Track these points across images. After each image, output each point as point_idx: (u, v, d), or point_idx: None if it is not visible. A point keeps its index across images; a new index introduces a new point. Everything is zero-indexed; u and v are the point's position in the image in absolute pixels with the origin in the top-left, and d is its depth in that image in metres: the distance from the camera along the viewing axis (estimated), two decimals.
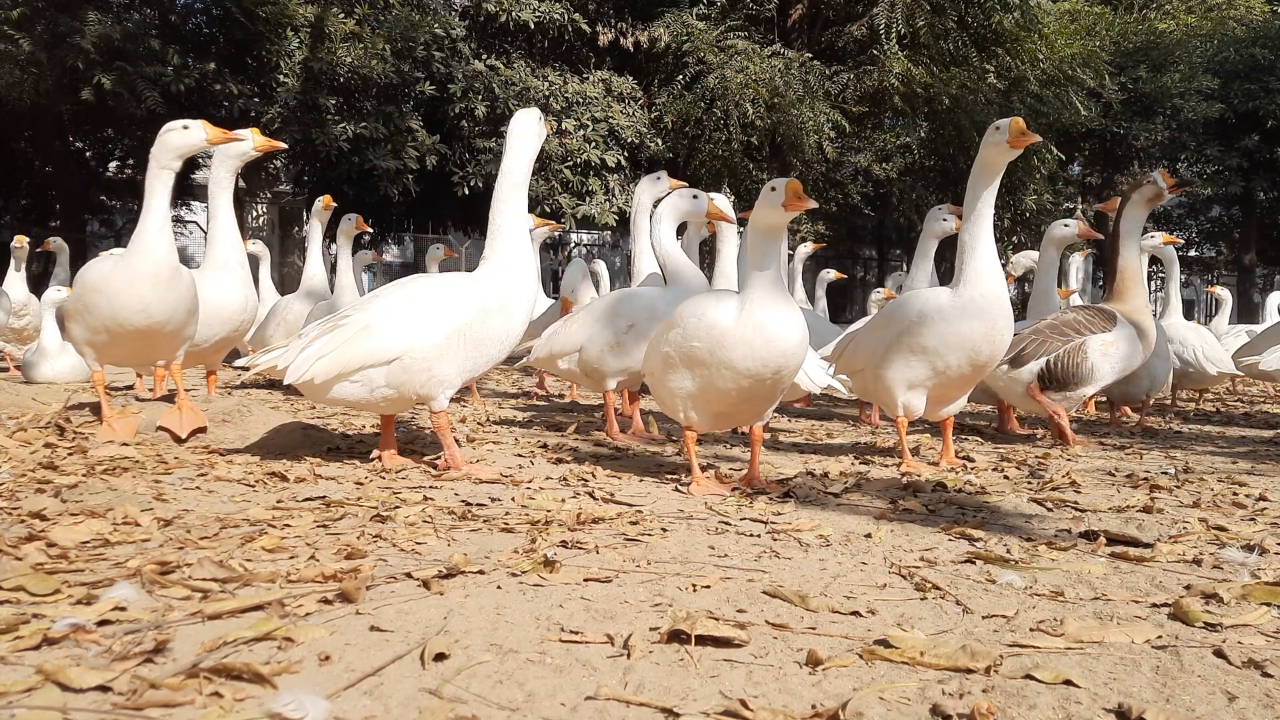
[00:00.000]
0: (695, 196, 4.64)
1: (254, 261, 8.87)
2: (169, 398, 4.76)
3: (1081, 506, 3.03)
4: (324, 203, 6.98)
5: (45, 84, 13.53)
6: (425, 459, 3.72)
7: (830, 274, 9.39)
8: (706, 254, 6.66)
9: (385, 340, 3.39)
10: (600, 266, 8.65)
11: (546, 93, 15.93)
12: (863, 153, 19.09)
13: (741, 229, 5.27)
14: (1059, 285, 6.46)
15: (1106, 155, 23.73)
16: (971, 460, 4.14)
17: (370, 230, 7.55)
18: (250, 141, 4.62)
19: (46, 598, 1.78)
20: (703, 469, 3.48)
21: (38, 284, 8.86)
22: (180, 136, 3.98)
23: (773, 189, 3.05)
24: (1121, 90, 20.06)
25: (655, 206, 4.84)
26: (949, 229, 5.70)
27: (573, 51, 17.48)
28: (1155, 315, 5.37)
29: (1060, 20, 17.45)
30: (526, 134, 3.64)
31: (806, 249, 9.56)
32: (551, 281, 20.39)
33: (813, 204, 2.99)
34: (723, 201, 4.75)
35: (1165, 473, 3.80)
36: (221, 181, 4.80)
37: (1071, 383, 4.64)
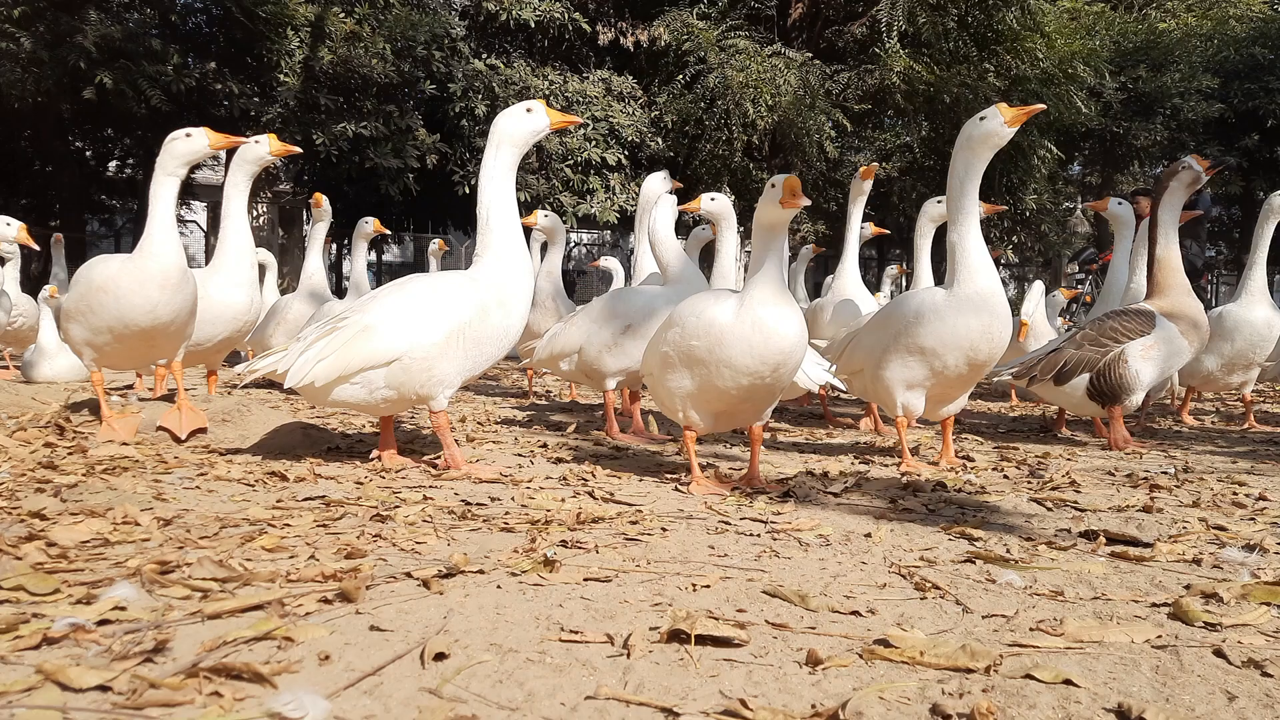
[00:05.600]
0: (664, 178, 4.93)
1: (261, 271, 8.89)
2: (169, 397, 4.77)
3: (1081, 506, 3.04)
4: (315, 201, 7.00)
5: (46, 83, 13.53)
6: (425, 459, 3.72)
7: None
8: (706, 255, 6.67)
9: (385, 341, 3.38)
10: (615, 264, 8.59)
11: (546, 92, 15.92)
12: (863, 152, 19.07)
13: (742, 228, 5.28)
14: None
15: (1106, 155, 23.70)
16: (971, 460, 4.14)
17: (387, 232, 7.61)
18: (268, 146, 4.75)
19: (46, 597, 1.78)
20: (702, 468, 3.48)
21: (36, 285, 8.84)
22: (185, 144, 4.07)
23: (772, 185, 3.05)
24: (1121, 90, 20.02)
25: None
26: (944, 211, 5.64)
27: (573, 51, 17.46)
28: None
29: (1060, 19, 17.42)
30: (509, 132, 3.60)
31: (808, 251, 9.57)
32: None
33: (806, 201, 2.99)
34: (723, 201, 4.75)
35: (1165, 472, 3.80)
36: (239, 184, 4.84)
37: (1121, 393, 4.57)
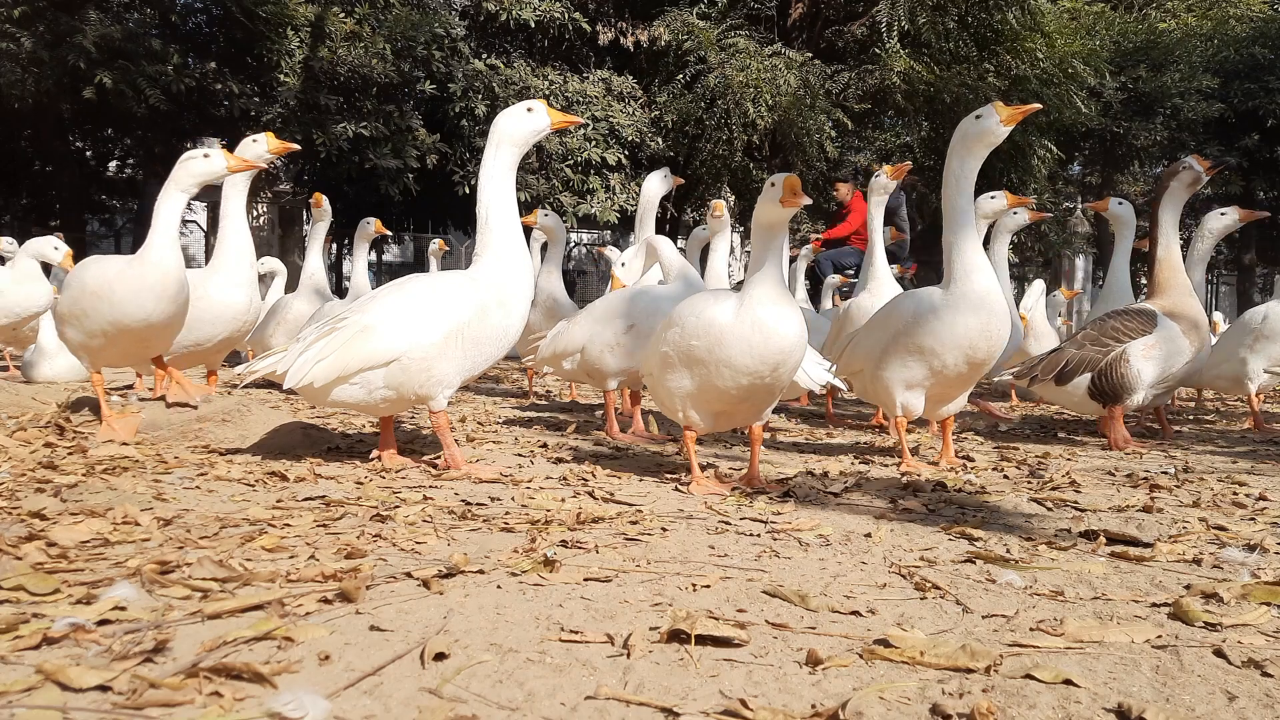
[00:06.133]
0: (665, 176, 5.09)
1: (271, 279, 8.89)
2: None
3: (1081, 506, 3.03)
4: (315, 201, 6.99)
5: (46, 83, 13.53)
6: (425, 459, 3.72)
7: (836, 279, 9.42)
8: (706, 255, 6.69)
9: (384, 341, 3.38)
10: (615, 254, 8.53)
11: (546, 92, 15.93)
12: (863, 152, 19.09)
13: (741, 228, 5.30)
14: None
15: (1106, 155, 23.73)
16: (971, 460, 4.14)
17: (389, 233, 7.61)
18: (265, 145, 4.75)
19: (46, 597, 1.78)
20: (702, 468, 3.48)
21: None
22: (202, 165, 4.06)
23: (772, 184, 3.05)
24: (1121, 90, 20.05)
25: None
26: (1000, 207, 5.39)
27: (573, 51, 17.47)
28: None
29: (1060, 19, 17.44)
30: (509, 132, 3.58)
31: (809, 251, 9.57)
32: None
33: (806, 200, 2.98)
34: (725, 215, 4.79)
35: (1165, 472, 3.80)
36: (238, 184, 4.85)
37: (1122, 393, 4.56)
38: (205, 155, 4.09)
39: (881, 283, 5.73)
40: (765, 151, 16.40)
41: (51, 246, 6.47)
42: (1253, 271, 27.33)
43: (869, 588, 2.04)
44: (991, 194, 5.38)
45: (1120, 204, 5.77)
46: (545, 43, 17.26)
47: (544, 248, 7.33)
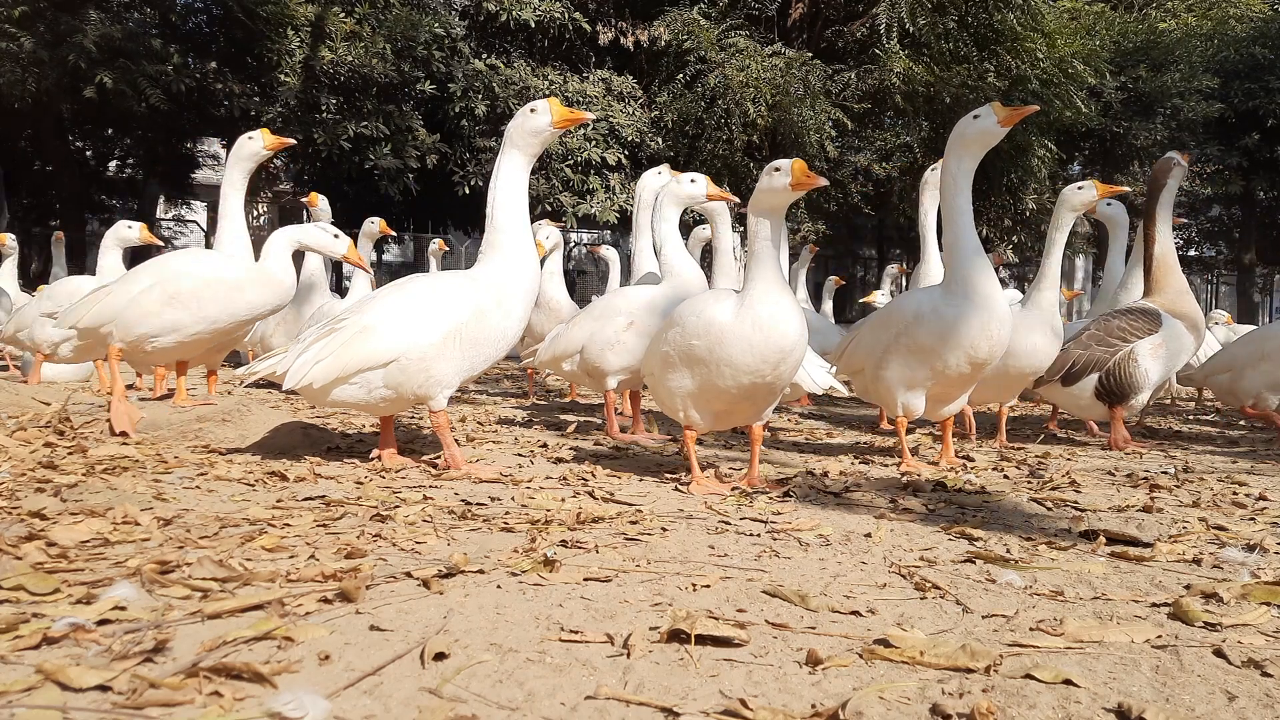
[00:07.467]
0: (693, 181, 4.52)
1: None
2: (168, 398, 4.78)
3: (1081, 506, 3.03)
4: (310, 200, 6.96)
5: (46, 83, 13.53)
6: (425, 458, 3.72)
7: (834, 279, 9.44)
8: (707, 253, 6.68)
9: (383, 342, 3.38)
10: (613, 254, 8.50)
11: (546, 92, 15.93)
12: (863, 152, 19.08)
13: (741, 228, 5.26)
14: (1063, 286, 6.32)
15: (1106, 155, 23.69)
16: (971, 460, 4.14)
17: (393, 233, 7.58)
18: (261, 142, 4.79)
19: (46, 597, 1.78)
20: (702, 468, 3.48)
21: (34, 284, 8.84)
22: (327, 241, 4.55)
23: (776, 169, 3.04)
24: (1121, 89, 20.02)
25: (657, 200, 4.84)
26: (1090, 198, 4.75)
27: (573, 50, 17.46)
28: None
29: (1060, 19, 17.43)
30: (510, 132, 3.59)
31: (808, 251, 9.57)
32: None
33: (823, 181, 2.97)
34: (717, 192, 4.75)
35: (1165, 472, 3.80)
36: (235, 183, 4.84)
37: (1130, 393, 4.56)
38: (335, 236, 4.53)
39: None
40: (765, 151, 16.39)
41: (126, 226, 6.27)
42: (1253, 271, 27.31)
43: (869, 588, 2.04)
44: (1079, 184, 4.83)
45: (1109, 204, 5.75)
46: (545, 43, 17.25)
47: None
